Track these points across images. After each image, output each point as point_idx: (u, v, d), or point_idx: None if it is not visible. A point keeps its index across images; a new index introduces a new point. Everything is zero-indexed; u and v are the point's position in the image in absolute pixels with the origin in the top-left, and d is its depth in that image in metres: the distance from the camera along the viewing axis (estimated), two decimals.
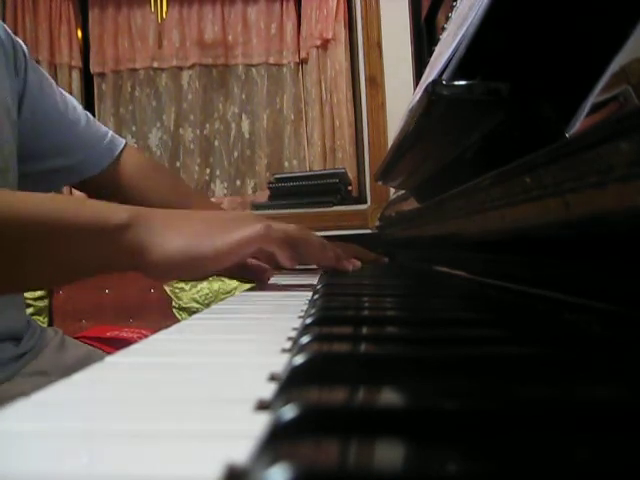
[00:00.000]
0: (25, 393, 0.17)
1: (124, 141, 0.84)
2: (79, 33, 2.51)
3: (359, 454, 0.13)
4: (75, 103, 0.81)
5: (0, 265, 0.46)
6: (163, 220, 0.50)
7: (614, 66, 0.22)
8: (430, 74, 0.52)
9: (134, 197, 0.81)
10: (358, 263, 0.68)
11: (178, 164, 2.49)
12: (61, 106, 0.77)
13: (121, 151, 0.83)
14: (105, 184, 0.81)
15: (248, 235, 0.50)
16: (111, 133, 0.84)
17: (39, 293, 2.05)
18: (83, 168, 0.79)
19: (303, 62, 2.46)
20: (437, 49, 0.58)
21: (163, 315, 2.01)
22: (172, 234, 0.49)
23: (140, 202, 0.76)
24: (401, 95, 1.99)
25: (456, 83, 0.39)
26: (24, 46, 0.73)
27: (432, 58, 0.61)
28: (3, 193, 0.49)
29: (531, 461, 0.12)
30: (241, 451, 0.13)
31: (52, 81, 0.79)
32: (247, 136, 2.49)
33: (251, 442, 0.13)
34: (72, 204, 0.49)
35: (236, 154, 2.49)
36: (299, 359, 0.19)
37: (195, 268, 0.50)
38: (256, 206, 2.18)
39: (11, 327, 0.68)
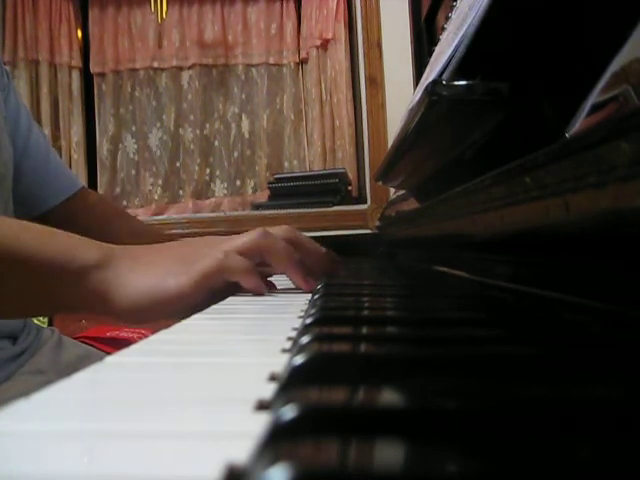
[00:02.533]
0: (23, 393, 0.17)
1: (81, 184, 0.83)
2: (79, 33, 2.51)
3: (359, 454, 0.13)
4: (41, 137, 0.80)
5: None
6: (130, 260, 0.48)
7: (614, 66, 0.22)
8: (430, 74, 0.52)
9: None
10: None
11: (178, 164, 2.49)
12: (26, 134, 0.76)
13: (77, 192, 0.81)
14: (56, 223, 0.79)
15: (209, 267, 0.47)
16: (71, 173, 0.84)
17: None
18: (33, 201, 0.77)
19: (303, 62, 2.46)
20: (437, 49, 0.58)
21: None
22: (137, 276, 0.47)
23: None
24: (401, 95, 1.99)
25: (456, 83, 0.39)
26: (7, 68, 0.76)
27: (432, 58, 0.61)
28: None
29: (531, 461, 0.12)
30: (241, 451, 0.13)
31: (27, 110, 0.80)
32: (247, 136, 2.49)
33: (251, 442, 0.13)
34: (40, 237, 0.47)
35: (236, 154, 2.49)
36: (299, 359, 0.19)
37: (162, 310, 0.47)
38: (256, 206, 2.18)
39: (7, 325, 0.68)
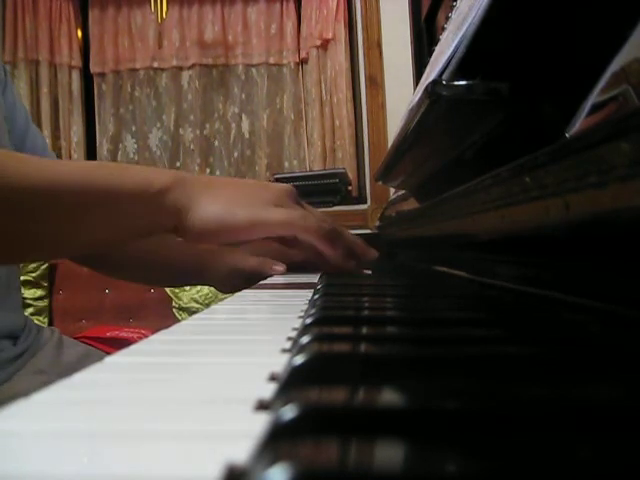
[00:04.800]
0: (24, 394, 0.17)
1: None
2: (79, 33, 2.51)
3: (359, 454, 0.13)
4: (39, 138, 0.79)
5: (53, 230, 0.49)
6: (203, 185, 0.52)
7: (614, 66, 0.22)
8: (430, 74, 0.52)
9: None
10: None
11: (178, 164, 2.49)
12: (23, 134, 0.76)
13: None
14: None
15: (284, 219, 0.52)
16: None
17: (39, 293, 2.05)
18: None
19: (303, 62, 2.47)
20: (437, 49, 0.58)
21: (163, 315, 2.01)
22: (210, 199, 0.51)
23: None
24: (401, 95, 1.99)
25: (456, 83, 0.39)
26: (6, 67, 0.77)
27: (432, 58, 0.61)
28: (51, 162, 0.50)
29: (531, 461, 0.12)
30: (241, 451, 0.13)
31: (25, 110, 0.80)
32: (247, 136, 2.49)
33: (251, 442, 0.13)
34: (117, 170, 0.52)
35: (236, 154, 2.49)
36: (299, 359, 0.19)
37: (226, 235, 0.52)
38: None
39: (9, 325, 0.68)
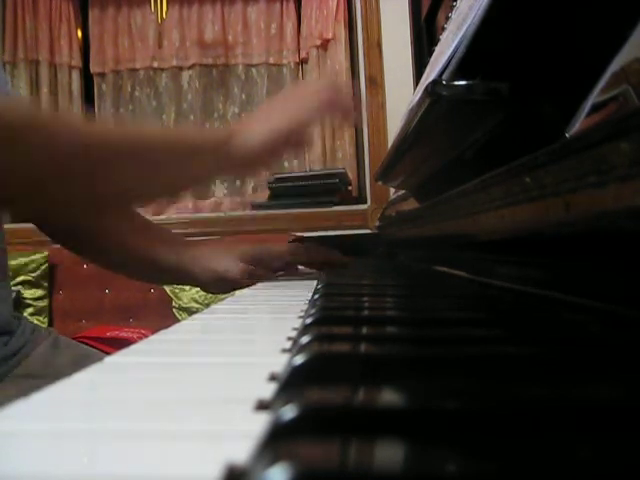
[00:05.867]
0: (15, 397, 0.17)
1: None
2: (79, 33, 2.50)
3: (359, 454, 0.13)
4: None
5: (126, 182, 0.54)
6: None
7: (614, 66, 0.22)
8: (430, 74, 0.52)
9: None
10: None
11: None
12: None
13: None
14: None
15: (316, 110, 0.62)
16: None
17: (39, 293, 2.05)
18: None
19: (303, 62, 2.46)
20: (437, 49, 0.58)
21: (163, 315, 2.01)
22: (256, 120, 0.61)
23: None
24: (401, 95, 1.99)
25: (456, 83, 0.39)
26: None
27: (432, 58, 0.61)
28: (117, 127, 0.57)
29: (531, 461, 0.12)
30: (241, 451, 0.13)
31: (3, 77, 0.78)
32: None
33: (251, 442, 0.13)
34: (169, 129, 0.61)
35: None
36: (299, 359, 0.19)
37: (281, 142, 0.59)
38: (256, 206, 2.17)
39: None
